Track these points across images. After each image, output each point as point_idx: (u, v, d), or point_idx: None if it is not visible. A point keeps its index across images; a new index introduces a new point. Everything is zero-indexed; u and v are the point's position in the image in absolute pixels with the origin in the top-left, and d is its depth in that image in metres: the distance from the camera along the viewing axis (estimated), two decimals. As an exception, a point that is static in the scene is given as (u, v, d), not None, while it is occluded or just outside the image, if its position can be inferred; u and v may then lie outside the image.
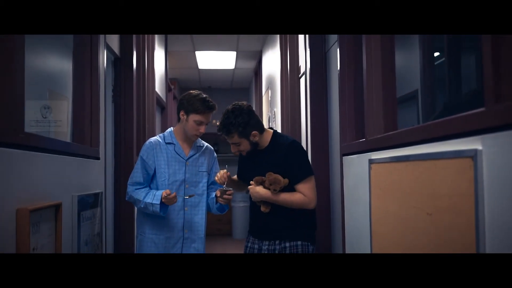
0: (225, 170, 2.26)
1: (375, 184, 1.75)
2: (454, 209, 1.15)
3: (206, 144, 2.60)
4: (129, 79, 3.31)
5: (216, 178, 2.27)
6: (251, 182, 2.19)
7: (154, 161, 2.37)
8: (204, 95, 2.39)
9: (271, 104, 5.60)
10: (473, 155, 1.06)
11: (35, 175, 1.58)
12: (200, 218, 2.44)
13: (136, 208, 2.48)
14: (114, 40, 3.14)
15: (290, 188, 2.14)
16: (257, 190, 2.14)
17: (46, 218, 1.62)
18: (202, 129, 2.38)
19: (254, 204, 2.25)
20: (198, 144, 2.52)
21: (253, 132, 2.17)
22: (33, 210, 1.46)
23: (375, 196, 1.75)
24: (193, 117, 2.35)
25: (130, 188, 2.38)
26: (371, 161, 1.79)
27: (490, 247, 1.02)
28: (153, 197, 2.28)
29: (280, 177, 2.10)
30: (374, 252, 1.76)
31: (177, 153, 2.41)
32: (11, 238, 1.38)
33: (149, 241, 2.37)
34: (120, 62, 3.28)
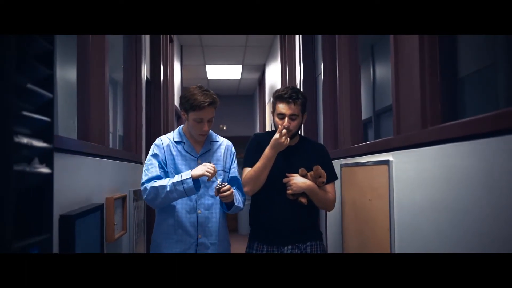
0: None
1: (344, 181, 2.51)
2: (380, 195, 1.90)
3: (223, 139, 2.34)
4: (157, 97, 4.08)
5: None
6: (287, 174, 2.17)
7: (165, 159, 2.18)
8: (203, 88, 2.13)
9: (273, 112, 6.25)
10: (388, 163, 1.81)
11: (113, 175, 2.35)
12: (215, 222, 2.22)
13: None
14: (146, 67, 3.91)
15: None
16: (303, 180, 2.14)
17: (118, 205, 2.39)
18: (205, 127, 2.14)
19: (272, 206, 2.20)
20: (212, 140, 2.29)
21: (305, 114, 2.22)
22: (116, 199, 2.23)
23: (344, 190, 2.51)
24: (192, 115, 2.11)
25: (147, 184, 2.11)
26: (341, 165, 2.54)
27: (397, 218, 1.77)
28: (181, 176, 2.05)
29: (325, 173, 2.18)
30: (343, 225, 2.51)
31: (187, 151, 2.22)
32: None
33: (157, 248, 2.20)
34: (150, 84, 4.05)
